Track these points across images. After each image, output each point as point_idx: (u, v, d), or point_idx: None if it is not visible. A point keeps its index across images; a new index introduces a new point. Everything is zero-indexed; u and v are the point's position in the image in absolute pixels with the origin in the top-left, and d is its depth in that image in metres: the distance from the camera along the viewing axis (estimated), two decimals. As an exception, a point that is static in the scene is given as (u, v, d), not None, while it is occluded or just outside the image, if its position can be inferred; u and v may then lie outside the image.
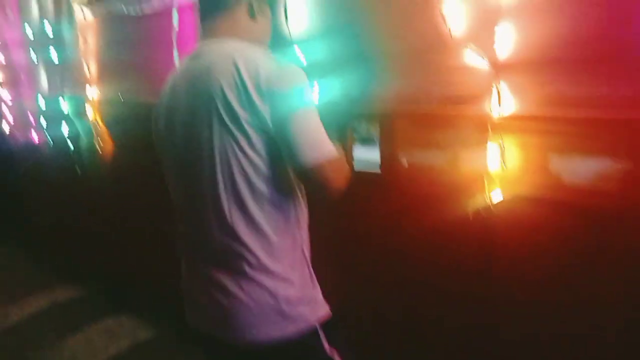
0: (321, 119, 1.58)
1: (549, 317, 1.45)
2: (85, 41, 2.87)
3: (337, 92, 1.81)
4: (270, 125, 1.11)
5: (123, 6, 2.48)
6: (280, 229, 1.19)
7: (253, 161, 1.13)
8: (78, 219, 3.59)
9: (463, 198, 1.54)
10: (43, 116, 3.54)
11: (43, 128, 3.59)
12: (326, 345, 1.27)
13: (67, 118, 3.26)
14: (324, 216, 1.94)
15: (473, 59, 1.46)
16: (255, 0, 1.23)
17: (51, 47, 3.19)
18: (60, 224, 3.89)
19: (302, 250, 1.26)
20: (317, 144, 1.11)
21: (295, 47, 1.85)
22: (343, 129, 1.83)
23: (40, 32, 3.28)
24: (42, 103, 3.50)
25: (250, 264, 1.17)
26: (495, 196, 1.47)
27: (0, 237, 4.58)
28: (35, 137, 3.79)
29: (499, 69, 1.42)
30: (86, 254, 3.59)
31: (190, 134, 1.19)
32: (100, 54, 2.85)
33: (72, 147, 3.30)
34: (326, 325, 1.25)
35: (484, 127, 1.45)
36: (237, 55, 1.12)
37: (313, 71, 1.83)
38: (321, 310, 1.27)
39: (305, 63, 1.85)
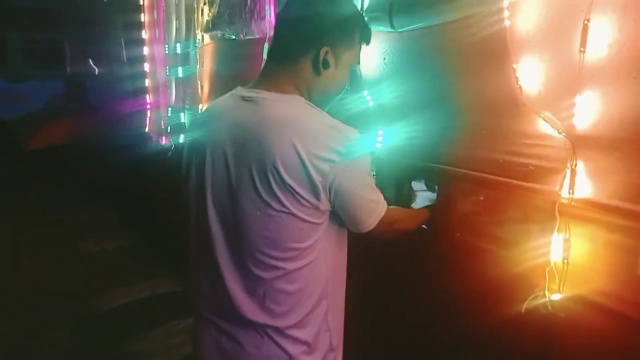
0: (381, 170, 1.70)
1: None
2: (202, 62, 3.10)
3: (402, 142, 1.69)
4: (331, 200, 1.10)
5: (230, 31, 2.63)
6: (310, 298, 1.16)
7: (290, 230, 1.09)
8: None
9: (518, 285, 1.31)
10: (169, 124, 3.90)
11: (168, 134, 3.96)
12: None
13: (184, 128, 3.56)
14: (365, 274, 1.84)
15: (548, 131, 1.24)
16: (324, 55, 1.14)
17: (179, 65, 3.50)
18: (174, 222, 4.25)
19: (327, 319, 1.21)
20: (374, 209, 1.16)
21: (365, 92, 1.78)
22: (402, 182, 1.69)
23: (173, 50, 3.63)
24: (169, 112, 3.87)
25: (274, 328, 1.14)
26: (555, 293, 1.22)
27: (129, 225, 5.17)
28: (163, 140, 4.19)
29: (576, 144, 1.18)
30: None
31: (228, 182, 1.13)
32: (211, 73, 3.05)
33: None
34: None
35: (551, 211, 1.22)
36: (294, 133, 1.05)
37: (380, 116, 1.74)
38: None
39: (371, 104, 1.76)
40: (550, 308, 1.22)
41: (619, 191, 1.12)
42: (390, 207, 1.25)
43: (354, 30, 1.19)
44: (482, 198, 1.44)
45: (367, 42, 1.25)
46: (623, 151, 1.10)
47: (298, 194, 1.06)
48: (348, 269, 1.30)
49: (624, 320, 1.12)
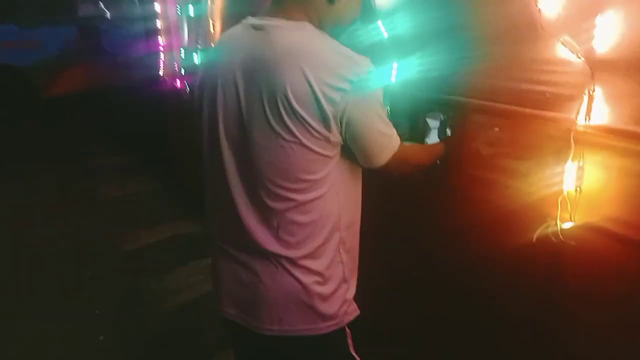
0: (395, 104, 1.66)
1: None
2: (213, 0, 3.02)
3: (415, 74, 1.65)
4: (342, 132, 1.09)
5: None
6: (323, 231, 1.17)
7: (301, 161, 1.09)
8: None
9: (530, 215, 1.31)
10: (183, 65, 3.86)
11: (183, 76, 3.93)
12: (351, 345, 1.25)
13: (198, 70, 3.52)
14: (379, 210, 1.86)
15: (566, 54, 1.19)
16: None
17: (189, 4, 3.42)
18: (192, 164, 4.31)
19: (340, 251, 1.22)
20: (387, 144, 1.16)
21: (379, 22, 1.72)
22: (416, 116, 1.67)
23: (183, -12, 3.53)
24: (182, 53, 3.82)
25: (288, 259, 1.16)
26: (566, 221, 1.22)
27: (150, 169, 5.26)
28: (178, 83, 4.17)
29: (595, 69, 1.14)
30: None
31: (239, 113, 1.13)
32: (222, 11, 2.98)
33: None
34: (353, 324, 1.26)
35: (566, 139, 1.20)
36: (304, 61, 1.03)
37: (394, 48, 1.70)
38: (353, 311, 1.26)
39: (386, 36, 1.71)
40: (561, 237, 1.22)
41: (637, 115, 1.08)
42: (404, 142, 1.24)
43: None
44: (497, 129, 1.42)
45: None
46: (644, 75, 1.06)
47: (308, 123, 1.05)
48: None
49: (636, 246, 1.12)
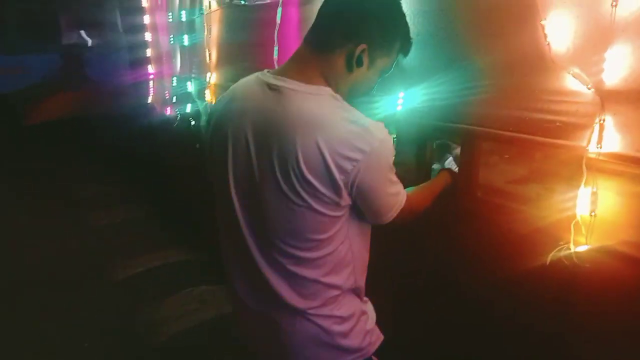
0: (403, 129, 1.68)
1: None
2: (209, 30, 3.07)
3: (424, 103, 1.70)
4: (352, 196, 1.08)
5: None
6: (337, 277, 1.17)
7: (310, 223, 1.09)
8: (196, 189, 3.91)
9: (544, 240, 1.35)
10: (174, 93, 3.88)
11: (174, 104, 3.95)
12: None
13: (191, 98, 3.54)
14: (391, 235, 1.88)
15: (576, 86, 1.26)
16: (360, 52, 1.09)
17: (185, 34, 3.47)
18: (182, 192, 4.28)
19: (355, 290, 1.24)
20: (394, 202, 1.15)
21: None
22: (424, 141, 1.72)
23: (177, 18, 3.58)
24: (174, 82, 3.84)
25: (304, 310, 1.16)
26: (581, 245, 1.26)
27: (138, 197, 5.19)
28: (168, 111, 4.18)
29: (605, 99, 1.20)
30: (200, 223, 3.90)
31: (251, 171, 1.12)
32: (220, 41, 3.02)
33: (192, 124, 3.58)
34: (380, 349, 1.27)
35: (578, 165, 1.25)
36: (318, 130, 1.02)
37: (402, 77, 1.75)
38: (377, 339, 1.28)
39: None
40: (575, 259, 1.26)
41: (646, 144, 1.14)
42: (408, 192, 1.22)
43: (396, 39, 1.15)
44: (506, 156, 1.47)
45: (406, 54, 1.22)
46: (653, 105, 1.13)
47: (319, 191, 1.04)
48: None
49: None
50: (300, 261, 1.13)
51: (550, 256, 1.32)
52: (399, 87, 1.77)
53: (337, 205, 1.08)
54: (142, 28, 4.46)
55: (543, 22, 1.29)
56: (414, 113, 1.75)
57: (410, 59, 1.71)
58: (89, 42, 8.57)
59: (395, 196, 1.15)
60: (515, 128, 1.42)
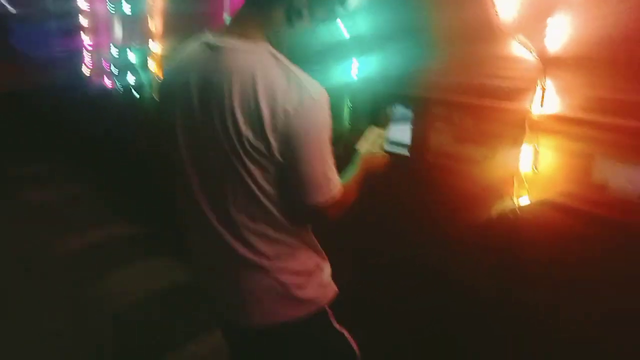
0: (358, 97, 1.58)
1: (566, 326, 1.38)
2: (154, -3, 2.97)
3: (377, 71, 1.76)
4: (278, 157, 1.06)
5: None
6: (290, 233, 1.20)
7: (254, 176, 1.10)
8: (140, 162, 3.81)
9: (490, 196, 1.47)
10: (114, 64, 3.73)
11: (114, 75, 3.79)
12: (335, 322, 1.33)
13: (133, 68, 3.42)
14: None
15: (520, 51, 1.36)
16: (299, 6, 1.10)
17: (123, 1, 3.32)
18: (126, 166, 4.15)
19: (310, 244, 1.27)
20: (323, 186, 1.11)
21: (339, 21, 1.82)
22: (378, 109, 1.78)
23: (117, -16, 3.42)
24: (114, 52, 3.68)
25: (259, 261, 1.19)
26: (523, 199, 1.38)
27: (77, 173, 4.97)
28: (108, 83, 4.01)
29: (547, 64, 1.31)
30: (146, 196, 3.81)
31: (195, 134, 1.15)
32: (165, 9, 2.93)
33: (137, 96, 3.47)
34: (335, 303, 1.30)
35: (521, 125, 1.36)
36: (256, 86, 1.04)
37: (355, 46, 1.80)
38: (330, 291, 1.32)
39: (347, 36, 1.81)
40: (518, 212, 1.39)
41: (583, 104, 1.27)
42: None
43: None
44: (456, 119, 1.57)
45: (343, 4, 1.22)
46: (588, 68, 1.25)
47: (252, 143, 1.06)
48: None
49: (582, 215, 1.30)
50: (251, 217, 1.16)
51: (496, 210, 1.43)
52: (354, 55, 1.82)
53: (271, 160, 1.08)
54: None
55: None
56: (367, 81, 1.80)
57: (364, 28, 1.76)
58: (10, 8, 7.96)
59: (326, 178, 1.11)
60: (464, 93, 1.51)
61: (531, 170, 1.35)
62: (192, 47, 1.17)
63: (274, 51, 1.09)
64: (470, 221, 1.53)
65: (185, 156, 1.19)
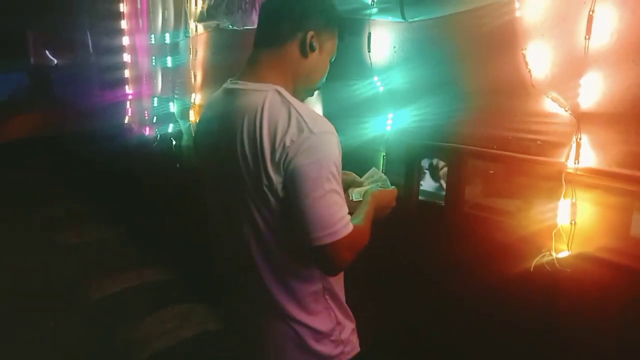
0: (392, 149, 1.59)
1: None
2: (195, 52, 3.15)
3: (411, 123, 1.83)
4: (281, 193, 1.08)
5: (227, 22, 2.69)
6: (308, 282, 1.21)
7: (267, 217, 1.13)
8: (175, 209, 3.92)
9: (527, 249, 1.48)
10: (154, 114, 3.91)
11: (153, 124, 3.97)
12: None
13: (173, 118, 3.59)
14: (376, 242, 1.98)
15: (554, 108, 1.41)
16: (311, 39, 1.17)
17: (168, 55, 3.53)
18: (160, 211, 4.27)
19: (327, 298, 1.25)
20: (327, 224, 1.05)
21: (375, 77, 1.91)
22: (413, 161, 1.84)
23: (160, 40, 3.64)
24: (155, 102, 3.88)
25: (279, 311, 1.21)
26: (562, 252, 1.39)
27: (112, 218, 5.12)
28: (147, 131, 4.20)
29: (580, 120, 1.35)
30: (179, 242, 3.89)
31: (220, 176, 1.21)
32: (205, 62, 3.11)
33: (174, 143, 3.62)
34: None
35: (558, 180, 1.39)
36: (264, 110, 1.08)
37: (389, 101, 1.88)
38: (350, 349, 1.30)
39: (381, 90, 1.89)
40: (557, 265, 1.39)
41: (617, 159, 1.30)
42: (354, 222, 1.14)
43: (336, 21, 1.25)
44: (491, 172, 1.60)
45: (347, 35, 1.29)
46: (621, 124, 1.28)
47: (260, 178, 1.09)
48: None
49: (621, 269, 1.30)
50: (268, 261, 1.18)
51: (534, 263, 1.44)
52: (389, 108, 1.90)
53: (276, 198, 1.09)
54: (117, 49, 4.49)
55: (524, 51, 1.44)
56: (402, 133, 1.87)
57: (400, 82, 1.85)
58: (55, 61, 8.47)
59: (333, 220, 1.05)
60: (499, 146, 1.56)
61: (569, 224, 1.36)
62: (216, 94, 1.27)
63: (281, 89, 1.13)
64: (507, 272, 1.54)
65: (212, 199, 1.27)
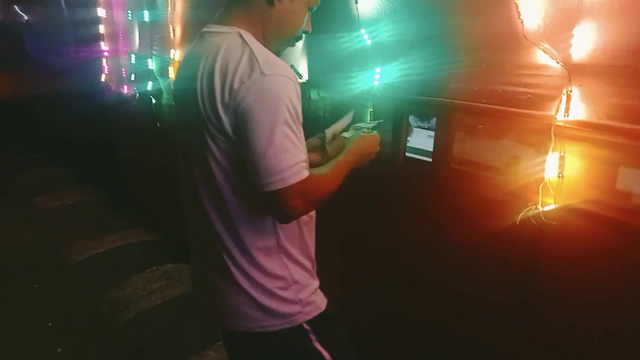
0: (380, 103, 1.56)
1: (589, 332, 1.39)
2: (174, 5, 3.02)
3: (399, 77, 1.79)
4: (232, 135, 1.07)
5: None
6: (260, 236, 1.18)
7: (220, 162, 1.11)
8: (156, 170, 3.85)
9: (514, 203, 1.48)
10: (132, 72, 3.78)
11: (132, 82, 3.85)
12: (315, 339, 1.26)
13: (152, 75, 3.47)
14: (364, 198, 1.97)
15: (546, 60, 1.38)
16: None
17: (145, 9, 3.38)
18: (142, 173, 4.19)
19: (281, 255, 1.22)
20: (275, 170, 1.02)
21: (362, 30, 1.85)
22: (401, 116, 1.81)
23: (137, -7, 3.48)
24: (133, 59, 3.74)
25: (230, 264, 1.19)
26: (548, 205, 1.40)
27: (92, 180, 5.03)
28: (125, 89, 4.06)
29: (572, 72, 1.33)
30: (161, 203, 3.85)
31: (185, 124, 1.20)
32: (185, 17, 2.99)
33: (154, 102, 3.52)
34: (323, 320, 1.28)
35: (547, 133, 1.38)
36: (220, 50, 1.08)
37: (377, 54, 1.83)
38: (311, 310, 1.27)
39: (369, 43, 1.84)
40: (543, 218, 1.40)
41: (608, 112, 1.28)
42: (315, 171, 1.14)
43: None
44: (480, 126, 1.59)
45: None
46: (613, 76, 1.26)
47: (212, 122, 1.08)
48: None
49: (606, 222, 1.32)
50: (222, 209, 1.16)
51: (520, 216, 1.45)
52: (377, 62, 1.85)
53: (228, 141, 1.08)
54: (90, 3, 4.28)
55: (517, 1, 1.40)
56: (390, 88, 1.83)
57: (388, 35, 1.79)
58: (25, 17, 8.10)
59: (280, 155, 1.01)
60: (489, 100, 1.54)
61: (557, 177, 1.36)
62: (194, 41, 1.25)
63: (245, 33, 1.11)
64: (494, 227, 1.54)
65: (180, 148, 1.25)
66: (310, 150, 1.33)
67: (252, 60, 1.04)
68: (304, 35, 1.28)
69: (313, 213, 1.31)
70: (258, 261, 1.19)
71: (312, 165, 1.22)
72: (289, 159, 1.03)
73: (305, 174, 1.07)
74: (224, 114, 1.05)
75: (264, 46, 1.13)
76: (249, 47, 1.07)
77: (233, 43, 1.09)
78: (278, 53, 1.20)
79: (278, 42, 1.22)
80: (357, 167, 1.33)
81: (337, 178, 1.21)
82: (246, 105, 1.02)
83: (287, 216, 1.10)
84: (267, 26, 1.17)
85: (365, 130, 1.44)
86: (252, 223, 1.17)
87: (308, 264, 1.29)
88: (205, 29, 1.18)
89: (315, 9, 1.24)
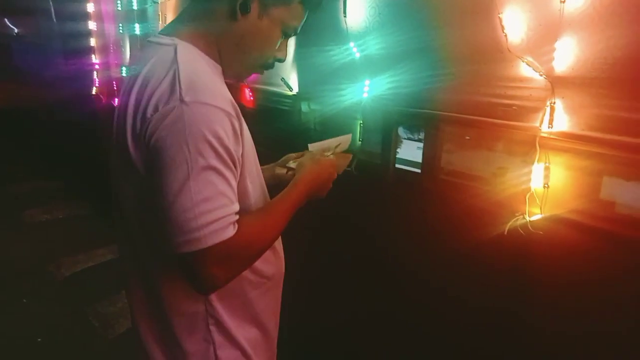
0: (370, 115, 1.52)
1: (575, 340, 1.41)
2: (165, 19, 3.04)
3: (388, 90, 1.82)
4: (143, 174, 0.84)
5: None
6: (184, 298, 0.95)
7: (137, 207, 0.91)
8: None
9: (501, 213, 1.50)
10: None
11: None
12: None
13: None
14: (353, 209, 1.98)
15: (529, 72, 1.41)
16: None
17: (136, 23, 3.40)
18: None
19: (210, 328, 0.97)
20: (188, 227, 0.77)
21: (351, 43, 1.88)
22: (390, 128, 1.83)
23: (127, 7, 3.50)
24: (124, 72, 3.75)
25: (144, 329, 1.01)
26: (535, 215, 1.43)
27: (81, 192, 4.99)
28: (116, 102, 4.07)
29: (555, 84, 1.36)
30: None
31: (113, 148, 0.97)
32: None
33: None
34: None
35: (532, 144, 1.41)
36: (145, 66, 0.87)
37: (366, 67, 1.86)
38: None
39: (358, 56, 1.87)
40: (530, 228, 1.42)
41: (589, 122, 1.32)
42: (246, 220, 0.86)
43: None
44: (467, 138, 1.61)
45: (310, 7, 0.99)
46: (594, 88, 1.30)
47: (126, 155, 0.87)
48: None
49: (591, 231, 1.34)
50: (140, 261, 0.98)
51: (508, 226, 1.47)
52: (366, 75, 1.88)
53: (139, 182, 0.86)
54: (81, 16, 4.30)
55: (500, 16, 1.44)
56: (379, 100, 1.86)
57: (376, 49, 1.83)
58: (15, 30, 8.11)
59: (195, 209, 0.77)
60: (475, 112, 1.57)
61: (542, 187, 1.39)
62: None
63: (187, 47, 0.90)
64: (482, 237, 1.56)
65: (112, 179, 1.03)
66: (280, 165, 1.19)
67: (174, 82, 0.80)
68: (276, 63, 1.03)
69: (274, 268, 1.06)
70: (175, 334, 0.94)
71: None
72: (210, 212, 0.78)
73: (230, 232, 0.80)
74: (133, 146, 0.83)
75: (225, 68, 0.96)
76: (177, 66, 0.83)
77: (163, 58, 0.86)
78: (240, 79, 1.05)
79: (239, 66, 0.99)
80: (310, 199, 1.07)
81: (280, 221, 0.95)
82: (158, 139, 0.78)
83: (203, 287, 0.84)
84: (224, 43, 0.94)
85: (328, 153, 1.22)
86: (174, 280, 0.91)
87: (253, 340, 1.02)
88: (150, 38, 0.96)
89: (292, 34, 1.01)
